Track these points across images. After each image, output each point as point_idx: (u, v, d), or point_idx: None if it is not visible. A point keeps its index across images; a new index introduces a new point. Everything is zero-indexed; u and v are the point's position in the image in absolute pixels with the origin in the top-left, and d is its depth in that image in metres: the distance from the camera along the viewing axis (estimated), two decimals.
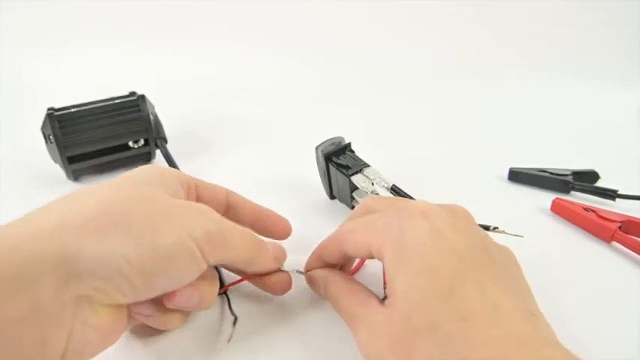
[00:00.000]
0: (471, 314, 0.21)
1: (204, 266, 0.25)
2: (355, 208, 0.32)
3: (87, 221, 0.22)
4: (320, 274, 0.30)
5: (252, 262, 0.28)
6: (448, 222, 0.24)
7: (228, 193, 0.32)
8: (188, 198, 0.29)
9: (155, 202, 0.24)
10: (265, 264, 0.29)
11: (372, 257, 0.27)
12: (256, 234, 0.30)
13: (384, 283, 0.26)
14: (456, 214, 0.27)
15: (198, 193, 0.31)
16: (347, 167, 0.41)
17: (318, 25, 0.84)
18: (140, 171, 0.27)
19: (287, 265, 0.33)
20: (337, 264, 0.31)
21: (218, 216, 0.27)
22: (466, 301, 0.21)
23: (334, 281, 0.29)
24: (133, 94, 0.49)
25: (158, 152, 0.50)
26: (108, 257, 0.21)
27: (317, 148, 0.42)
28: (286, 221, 0.34)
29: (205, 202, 0.29)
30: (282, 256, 0.31)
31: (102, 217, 0.22)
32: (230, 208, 0.32)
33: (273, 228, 0.33)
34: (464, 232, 0.25)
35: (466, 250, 0.23)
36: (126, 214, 0.23)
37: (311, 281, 0.31)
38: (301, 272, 0.32)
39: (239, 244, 0.27)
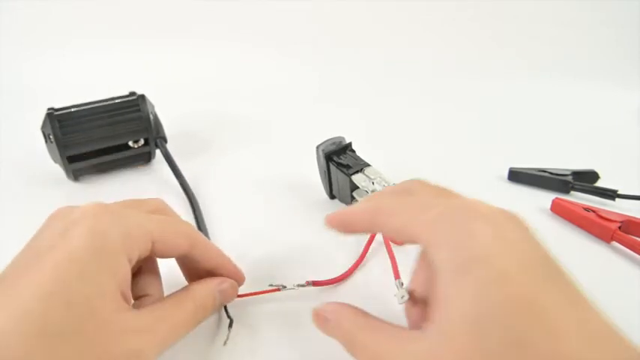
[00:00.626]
0: (562, 331, 0.18)
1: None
2: (394, 185, 0.29)
3: None
4: (329, 308, 0.26)
5: None
6: (514, 228, 0.22)
7: (192, 246, 0.28)
8: (138, 261, 0.26)
9: None
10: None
11: (406, 243, 0.24)
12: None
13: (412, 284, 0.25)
14: (518, 219, 0.23)
15: (155, 248, 0.26)
16: (347, 166, 0.41)
17: (318, 25, 0.84)
18: (86, 268, 0.22)
19: (286, 278, 0.33)
20: (356, 233, 0.29)
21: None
22: (555, 314, 0.18)
23: (348, 318, 0.24)
24: (133, 94, 0.49)
25: (158, 152, 0.50)
26: None
27: (318, 147, 0.42)
28: (240, 275, 0.32)
29: (157, 254, 0.27)
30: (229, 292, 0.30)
31: None
32: (187, 257, 0.29)
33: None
34: (530, 240, 0.22)
35: (539, 259, 0.21)
36: None
37: (317, 318, 0.26)
38: (302, 285, 0.32)
39: (180, 338, 0.26)
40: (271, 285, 0.32)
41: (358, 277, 0.36)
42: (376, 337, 0.22)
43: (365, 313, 0.25)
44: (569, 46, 0.77)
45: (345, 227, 0.27)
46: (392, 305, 0.33)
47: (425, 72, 0.80)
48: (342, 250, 0.38)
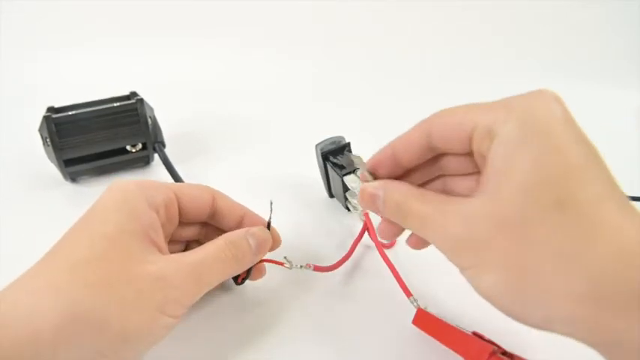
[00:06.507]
0: (605, 198, 0.20)
1: (178, 320, 0.26)
2: None
3: (59, 331, 0.22)
4: (376, 184, 0.26)
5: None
6: (564, 109, 0.22)
7: (214, 198, 0.32)
8: (167, 215, 0.30)
9: (122, 287, 0.24)
10: (246, 266, 0.30)
11: (465, 152, 0.24)
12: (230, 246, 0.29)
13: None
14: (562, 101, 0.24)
15: (179, 204, 0.31)
16: (341, 167, 0.41)
17: (317, 25, 0.83)
18: (108, 215, 0.27)
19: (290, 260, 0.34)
20: (411, 165, 0.26)
21: (185, 266, 0.26)
22: (601, 185, 0.20)
23: (397, 188, 0.25)
24: (133, 94, 0.49)
25: (156, 155, 0.50)
26: (83, 356, 0.23)
27: (317, 146, 0.42)
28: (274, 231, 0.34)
29: (187, 212, 0.31)
30: (263, 246, 0.31)
31: (73, 326, 0.22)
32: (215, 214, 0.33)
33: None
34: (573, 120, 0.22)
35: (590, 143, 0.21)
36: (96, 319, 0.23)
37: (364, 195, 0.26)
38: (308, 266, 0.33)
39: (215, 276, 0.28)
40: (285, 257, 0.33)
41: (357, 265, 0.38)
42: (427, 202, 0.23)
43: (414, 186, 0.25)
44: (568, 47, 0.77)
45: (391, 158, 0.26)
46: (391, 290, 0.34)
47: (425, 71, 0.79)
48: (342, 248, 0.39)
